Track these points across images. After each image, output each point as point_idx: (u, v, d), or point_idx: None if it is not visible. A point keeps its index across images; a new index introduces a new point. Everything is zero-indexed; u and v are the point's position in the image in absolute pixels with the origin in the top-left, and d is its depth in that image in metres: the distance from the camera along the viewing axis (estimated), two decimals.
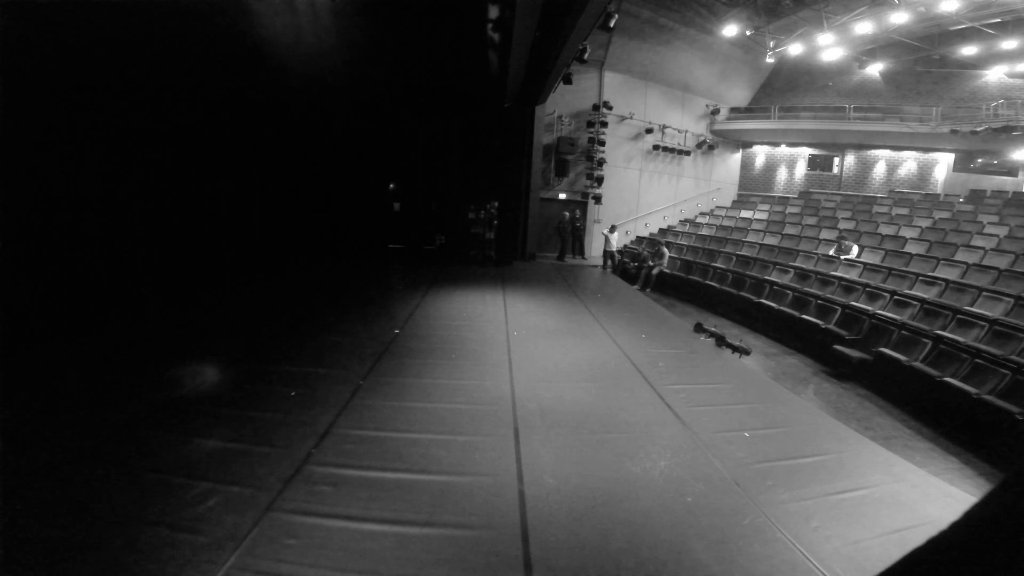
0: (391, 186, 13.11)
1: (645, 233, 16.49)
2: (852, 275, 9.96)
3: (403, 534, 2.60)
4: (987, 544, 0.61)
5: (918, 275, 9.08)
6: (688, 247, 14.46)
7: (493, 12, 8.40)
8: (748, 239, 13.72)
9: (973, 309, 7.52)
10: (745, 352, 6.89)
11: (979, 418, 5.61)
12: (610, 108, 15.38)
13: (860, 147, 17.08)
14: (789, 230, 13.74)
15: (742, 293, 10.78)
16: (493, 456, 3.43)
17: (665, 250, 13.55)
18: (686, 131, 17.19)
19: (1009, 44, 13.29)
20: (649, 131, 16.36)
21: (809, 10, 13.81)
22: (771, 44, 15.92)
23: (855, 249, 11.03)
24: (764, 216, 15.66)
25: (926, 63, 15.76)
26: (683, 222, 17.01)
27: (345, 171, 12.12)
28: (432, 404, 4.20)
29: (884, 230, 12.10)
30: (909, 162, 16.53)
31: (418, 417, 3.94)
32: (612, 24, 10.90)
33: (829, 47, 14.96)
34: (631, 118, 15.99)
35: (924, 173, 16.34)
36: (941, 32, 13.88)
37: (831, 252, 11.27)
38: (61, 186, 5.12)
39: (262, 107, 8.47)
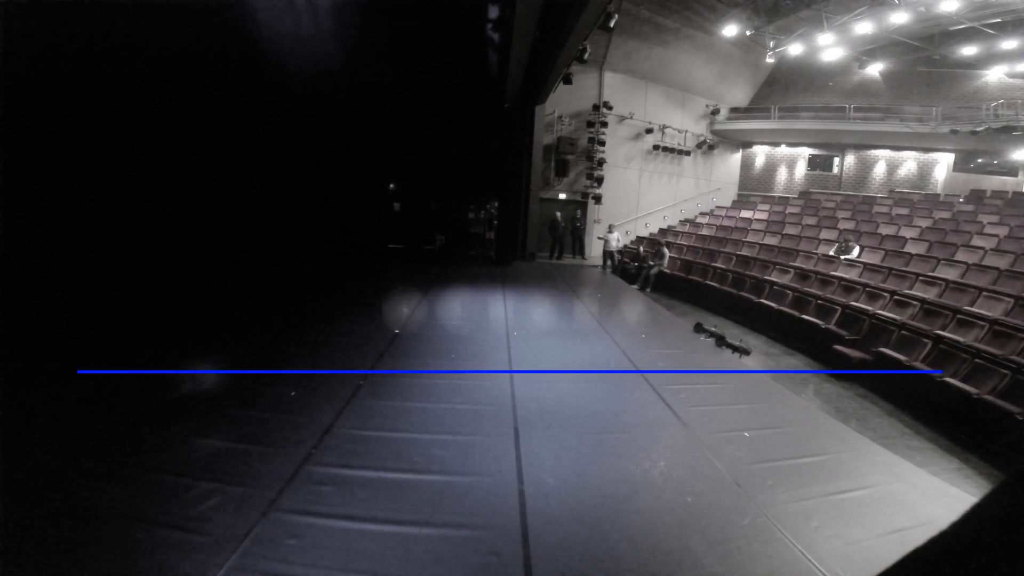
0: (391, 186, 13.11)
1: (645, 233, 16.47)
2: (852, 275, 9.95)
3: (403, 534, 2.60)
4: (988, 544, 0.61)
5: (918, 275, 9.07)
6: (688, 247, 14.45)
7: (493, 12, 8.40)
8: (748, 239, 13.70)
9: (973, 309, 7.51)
10: (745, 352, 6.89)
11: (979, 418, 5.60)
12: (610, 108, 15.38)
13: (860, 147, 17.08)
14: (789, 230, 13.72)
15: (742, 293, 10.77)
16: (493, 456, 3.43)
17: (665, 250, 13.54)
18: (686, 131, 17.20)
19: (1009, 44, 13.30)
20: (649, 131, 16.37)
21: (809, 10, 13.80)
22: (771, 44, 15.92)
23: (856, 249, 11.03)
24: (764, 216, 15.64)
25: (926, 63, 15.77)
26: (683, 222, 16.99)
27: (345, 171, 12.13)
28: (432, 404, 4.20)
29: (884, 230, 12.09)
30: (909, 162, 16.53)
31: (418, 417, 3.94)
32: (612, 24, 10.90)
33: (829, 47, 14.97)
34: (631, 118, 15.99)
35: (924, 173, 16.35)
36: (941, 32, 13.89)
37: (831, 252, 11.27)
38: (61, 186, 5.12)
39: (262, 107, 8.48)
